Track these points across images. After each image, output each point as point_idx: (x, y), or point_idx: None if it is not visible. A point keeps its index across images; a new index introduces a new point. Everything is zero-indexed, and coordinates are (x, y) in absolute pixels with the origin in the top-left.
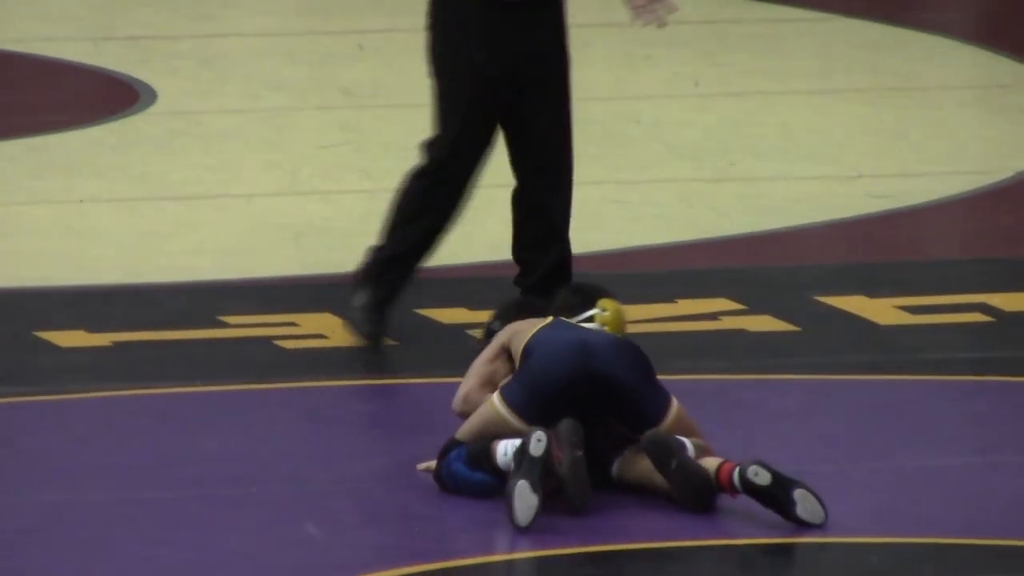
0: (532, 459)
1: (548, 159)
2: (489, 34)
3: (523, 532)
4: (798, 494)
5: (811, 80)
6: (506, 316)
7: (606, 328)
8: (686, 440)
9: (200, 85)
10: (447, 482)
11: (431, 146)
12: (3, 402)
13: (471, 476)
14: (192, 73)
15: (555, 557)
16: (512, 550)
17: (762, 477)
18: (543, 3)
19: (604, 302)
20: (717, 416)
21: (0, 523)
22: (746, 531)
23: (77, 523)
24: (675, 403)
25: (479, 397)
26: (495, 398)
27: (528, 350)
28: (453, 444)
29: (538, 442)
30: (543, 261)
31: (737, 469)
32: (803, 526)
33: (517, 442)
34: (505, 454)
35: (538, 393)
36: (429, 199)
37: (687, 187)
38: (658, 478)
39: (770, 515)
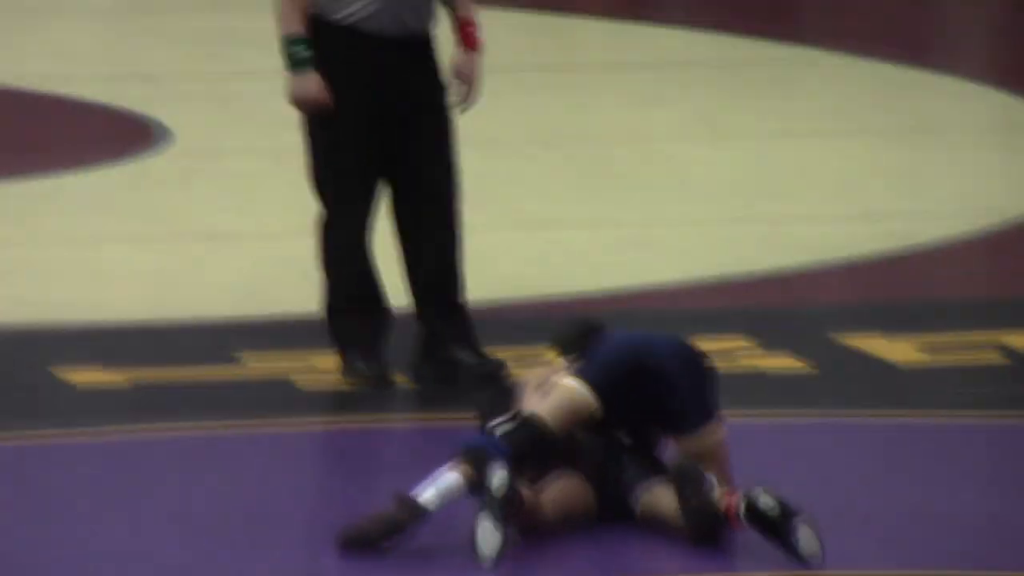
0: (493, 497)
1: (432, 204)
2: (364, 74)
3: (492, 569)
4: (800, 526)
5: (828, 121)
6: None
7: None
8: (713, 479)
9: (217, 124)
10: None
11: (319, 195)
12: (19, 440)
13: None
14: (209, 112)
15: None
16: None
17: (768, 503)
18: (417, 44)
19: None
20: (733, 455)
21: (9, 562)
22: (750, 565)
23: (89, 563)
24: (721, 428)
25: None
26: (568, 380)
27: (597, 344)
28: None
29: (500, 480)
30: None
31: (744, 497)
32: (798, 559)
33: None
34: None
35: (611, 372)
36: (335, 247)
37: (703, 227)
38: (673, 512)
39: (769, 548)
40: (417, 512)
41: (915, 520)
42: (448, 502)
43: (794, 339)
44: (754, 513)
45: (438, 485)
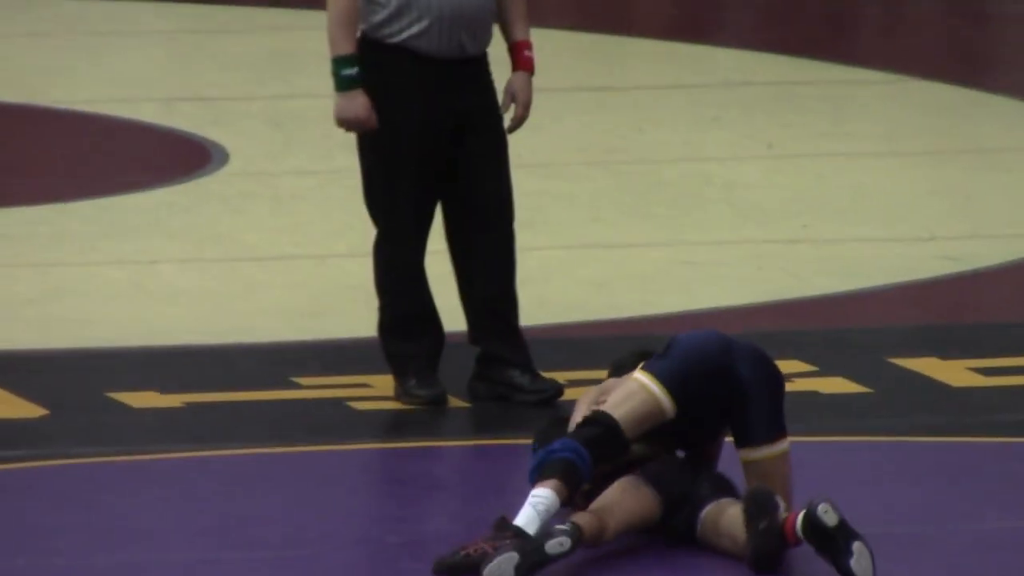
0: (543, 553)
1: (486, 225)
2: (418, 95)
3: None
4: (856, 547)
5: (883, 142)
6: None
7: None
8: (782, 502)
9: (272, 146)
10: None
11: (374, 216)
12: (76, 462)
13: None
14: (264, 134)
15: None
16: None
17: (831, 517)
18: (471, 64)
19: None
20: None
21: None
22: None
23: None
24: (785, 445)
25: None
26: (639, 375)
27: (672, 342)
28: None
29: (560, 546)
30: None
31: (804, 510)
32: None
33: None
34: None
35: (686, 370)
36: (390, 268)
37: (758, 249)
38: (737, 533)
39: (822, 570)
40: (518, 533)
41: (972, 545)
42: (547, 519)
43: (850, 361)
44: (814, 525)
45: (535, 506)
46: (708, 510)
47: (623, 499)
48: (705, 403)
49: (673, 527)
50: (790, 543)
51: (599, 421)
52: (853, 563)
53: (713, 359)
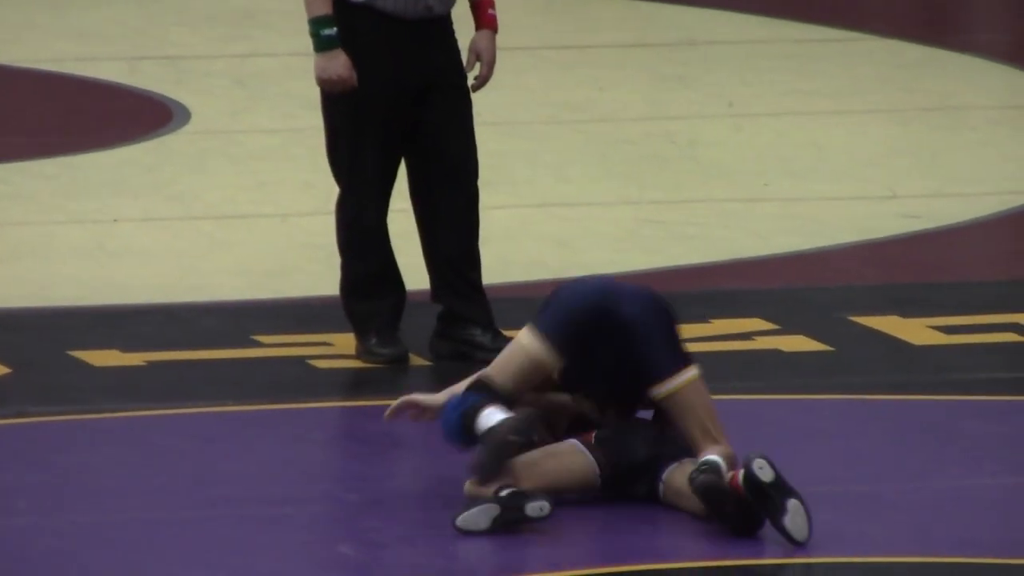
0: (523, 512)
1: (451, 184)
2: (382, 54)
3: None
4: (792, 504)
5: (844, 100)
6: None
7: None
8: (720, 460)
9: (234, 104)
10: (441, 421)
11: (337, 175)
12: (37, 421)
13: (448, 417)
14: (226, 92)
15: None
16: (546, 569)
17: (765, 473)
18: (435, 23)
19: None
20: (750, 436)
21: (33, 543)
22: (771, 551)
23: (111, 543)
24: (693, 371)
25: None
26: (525, 331)
27: (553, 292)
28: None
29: (539, 510)
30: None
31: (743, 467)
32: (785, 538)
33: (498, 415)
34: (484, 420)
35: (560, 314)
36: (352, 227)
37: (721, 207)
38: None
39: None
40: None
41: (932, 502)
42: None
43: (811, 320)
44: (750, 481)
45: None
46: (670, 471)
47: (551, 459)
48: (594, 348)
49: (635, 492)
50: (739, 495)
51: (479, 385)
52: (787, 520)
53: (592, 302)
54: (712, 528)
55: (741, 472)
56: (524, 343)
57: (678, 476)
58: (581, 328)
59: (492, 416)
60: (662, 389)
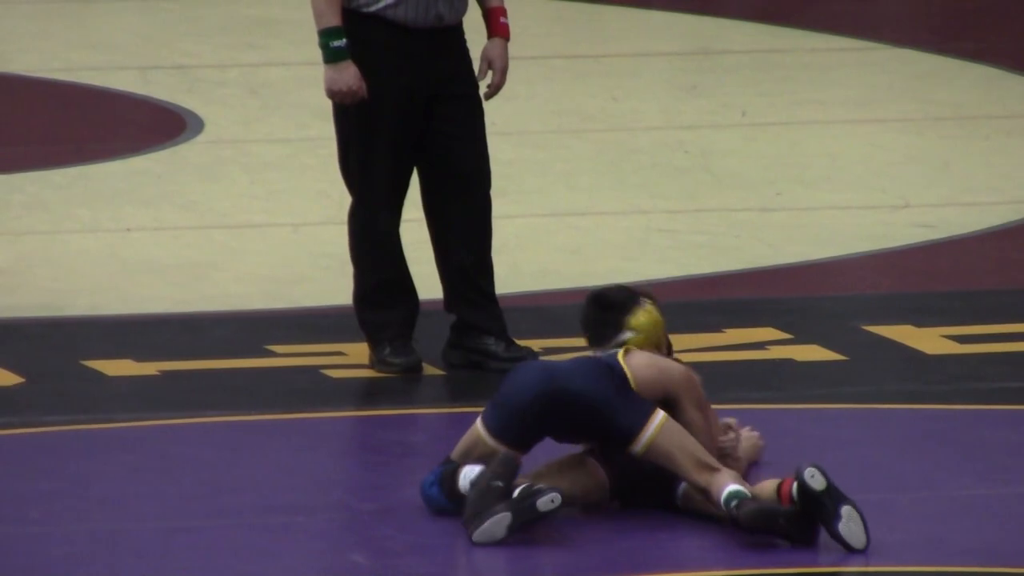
0: (535, 511)
1: (463, 193)
2: (394, 63)
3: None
4: (845, 510)
5: (858, 109)
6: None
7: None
8: (740, 488)
9: (247, 114)
10: (423, 499)
11: (350, 185)
12: (52, 430)
13: (429, 494)
14: (239, 102)
15: None
16: None
17: (817, 482)
18: (448, 28)
19: (634, 322)
20: (767, 443)
21: (46, 551)
22: (791, 559)
23: (124, 552)
24: (659, 417)
25: None
26: (479, 424)
27: (500, 386)
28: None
29: (551, 502)
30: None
31: (795, 478)
32: (842, 545)
33: (477, 469)
34: (465, 478)
35: (508, 413)
36: (365, 236)
37: (734, 216)
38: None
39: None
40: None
41: (945, 512)
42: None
43: (824, 329)
44: (802, 491)
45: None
46: (682, 490)
47: (559, 473)
48: (557, 428)
49: (648, 504)
50: (787, 508)
51: (447, 462)
52: (841, 526)
53: (538, 392)
54: (729, 537)
55: (794, 484)
56: (480, 434)
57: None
58: (535, 420)
59: (470, 472)
60: (638, 445)
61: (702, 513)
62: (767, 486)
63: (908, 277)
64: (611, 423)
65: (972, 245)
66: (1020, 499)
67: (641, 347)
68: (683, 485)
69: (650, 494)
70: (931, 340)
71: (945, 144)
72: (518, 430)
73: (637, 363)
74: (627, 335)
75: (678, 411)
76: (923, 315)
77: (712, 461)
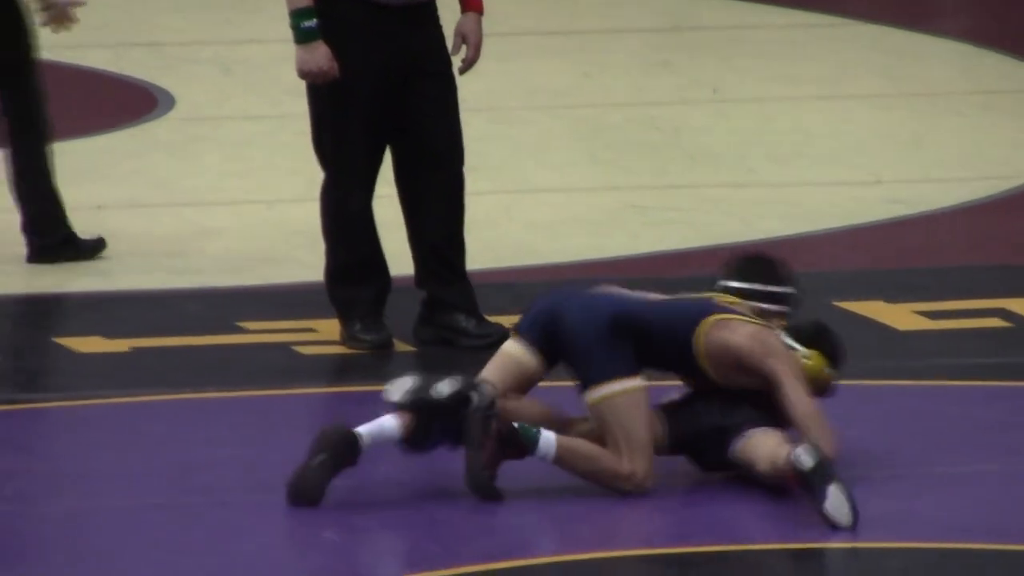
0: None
1: (436, 169)
2: (367, 39)
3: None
4: (831, 490)
5: (829, 85)
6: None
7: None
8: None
9: (220, 91)
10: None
11: (323, 163)
12: (22, 408)
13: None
14: (212, 79)
15: (570, 563)
16: (528, 556)
17: (805, 461)
18: (419, 8)
19: (813, 353)
20: None
21: (17, 529)
22: (766, 535)
23: (94, 530)
24: (630, 384)
25: None
26: (506, 343)
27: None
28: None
29: (482, 395)
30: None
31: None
32: (829, 523)
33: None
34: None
35: (531, 312)
36: (337, 212)
37: (705, 193)
38: (769, 467)
39: (799, 517)
40: (345, 437)
41: (918, 488)
42: (380, 443)
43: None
44: (794, 469)
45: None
46: (744, 441)
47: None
48: (555, 351)
49: (704, 460)
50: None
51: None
52: (827, 505)
53: (549, 306)
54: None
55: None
56: (504, 346)
57: (750, 447)
58: (542, 330)
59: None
60: (592, 395)
61: (748, 476)
62: (779, 453)
63: (880, 253)
64: (581, 364)
65: (944, 221)
66: (992, 476)
67: (797, 368)
68: (737, 443)
69: (703, 453)
70: (903, 316)
71: (917, 120)
72: (531, 331)
73: (743, 332)
74: (798, 347)
75: (778, 389)
76: (895, 291)
77: (629, 453)
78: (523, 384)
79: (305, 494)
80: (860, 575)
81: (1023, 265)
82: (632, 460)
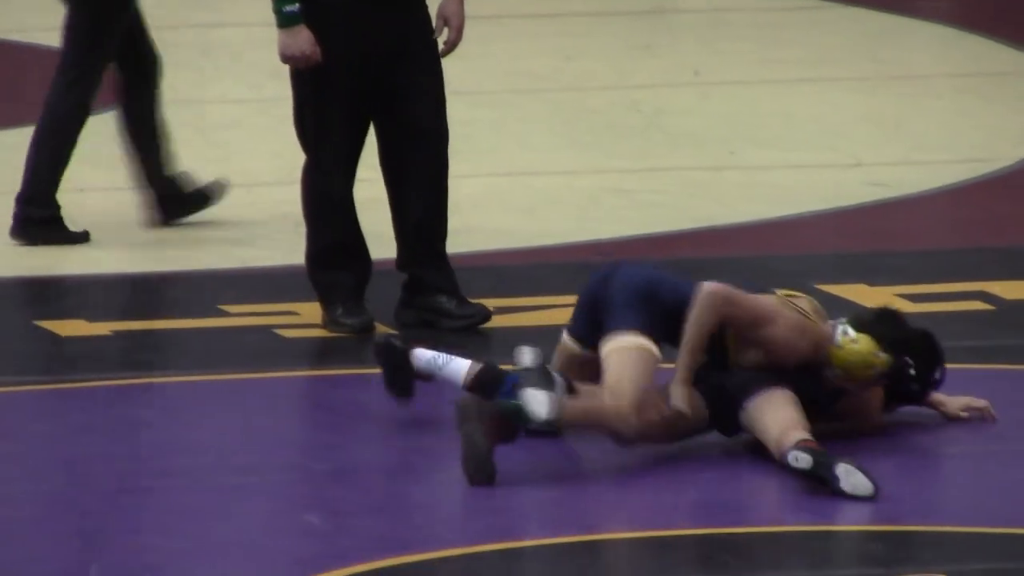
0: (529, 369)
1: (419, 151)
2: (350, 22)
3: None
4: (840, 469)
5: (811, 68)
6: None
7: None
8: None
9: (201, 74)
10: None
11: (305, 145)
12: (4, 391)
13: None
14: (193, 62)
15: (551, 546)
16: (510, 539)
17: (802, 462)
18: None
19: (861, 336)
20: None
21: (4, 505)
22: (746, 519)
23: (77, 512)
24: (640, 341)
25: None
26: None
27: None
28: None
29: (531, 357)
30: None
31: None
32: (852, 499)
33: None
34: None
35: (577, 307)
36: (319, 195)
37: (687, 176)
38: (775, 454)
39: (791, 501)
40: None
41: (896, 470)
42: (433, 372)
43: (777, 287)
44: (793, 470)
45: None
46: (749, 408)
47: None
48: (592, 325)
49: (719, 422)
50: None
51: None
52: (843, 485)
53: (596, 278)
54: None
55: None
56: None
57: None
58: (586, 319)
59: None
60: (606, 346)
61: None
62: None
63: (861, 236)
64: (608, 317)
65: (925, 204)
66: (971, 458)
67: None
68: (749, 404)
69: (723, 413)
70: (884, 299)
71: (898, 103)
72: (576, 319)
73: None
74: (849, 331)
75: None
76: (876, 274)
77: (612, 396)
78: (585, 373)
79: (481, 471)
80: (838, 558)
81: (1004, 247)
82: (614, 396)
